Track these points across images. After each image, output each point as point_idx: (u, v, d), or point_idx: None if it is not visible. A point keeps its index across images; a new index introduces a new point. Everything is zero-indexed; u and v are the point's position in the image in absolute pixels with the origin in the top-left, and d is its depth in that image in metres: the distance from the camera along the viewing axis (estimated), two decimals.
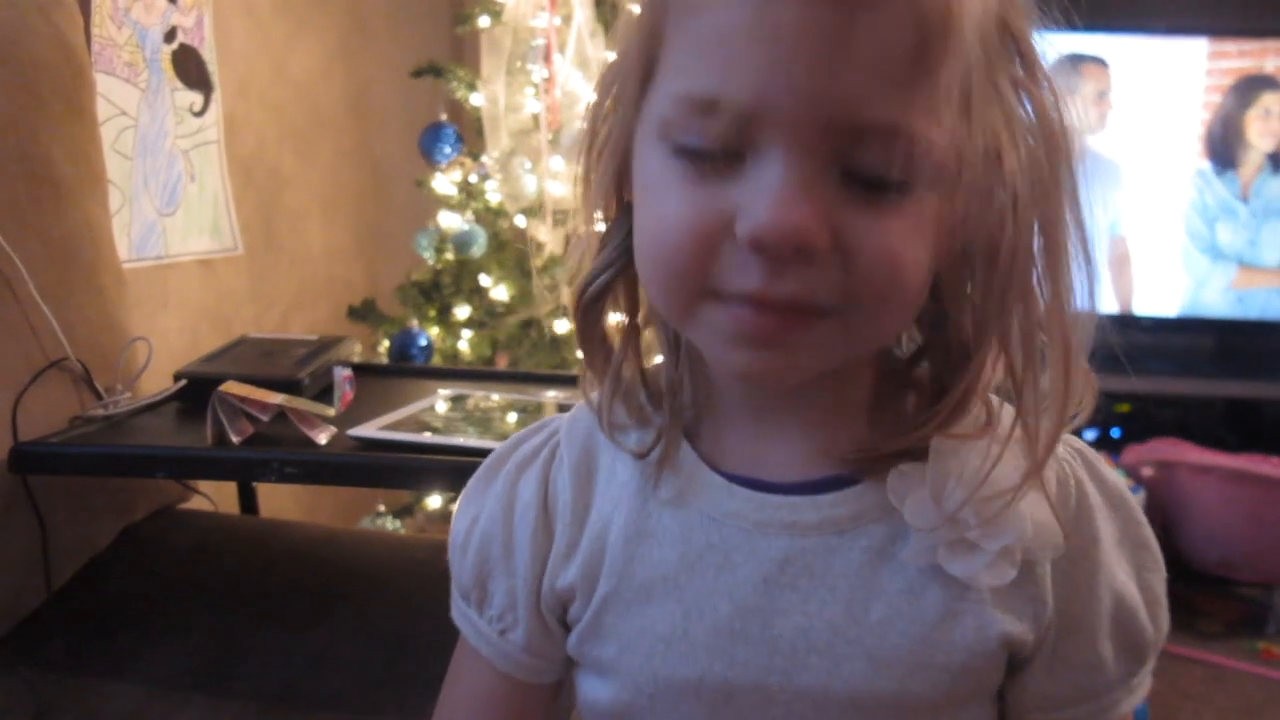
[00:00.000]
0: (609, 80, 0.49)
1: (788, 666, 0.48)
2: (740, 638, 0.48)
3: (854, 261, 0.41)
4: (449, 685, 0.59)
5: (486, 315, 1.82)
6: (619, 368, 0.52)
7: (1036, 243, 0.44)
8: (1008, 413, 0.48)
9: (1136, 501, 0.52)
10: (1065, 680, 0.50)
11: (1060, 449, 0.49)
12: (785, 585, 0.48)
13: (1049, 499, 0.47)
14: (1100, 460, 0.50)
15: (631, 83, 0.46)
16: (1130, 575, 0.50)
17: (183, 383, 1.13)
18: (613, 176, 0.50)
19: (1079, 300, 0.45)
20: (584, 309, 0.51)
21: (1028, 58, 0.44)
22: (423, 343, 1.77)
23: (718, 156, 0.41)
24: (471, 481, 0.57)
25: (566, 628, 0.54)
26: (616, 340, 0.52)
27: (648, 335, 0.53)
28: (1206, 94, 2.36)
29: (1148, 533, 0.51)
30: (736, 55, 0.39)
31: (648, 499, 0.51)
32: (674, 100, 0.42)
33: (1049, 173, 0.44)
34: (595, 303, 0.51)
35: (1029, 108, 0.44)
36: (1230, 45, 2.34)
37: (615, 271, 0.50)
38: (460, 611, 0.57)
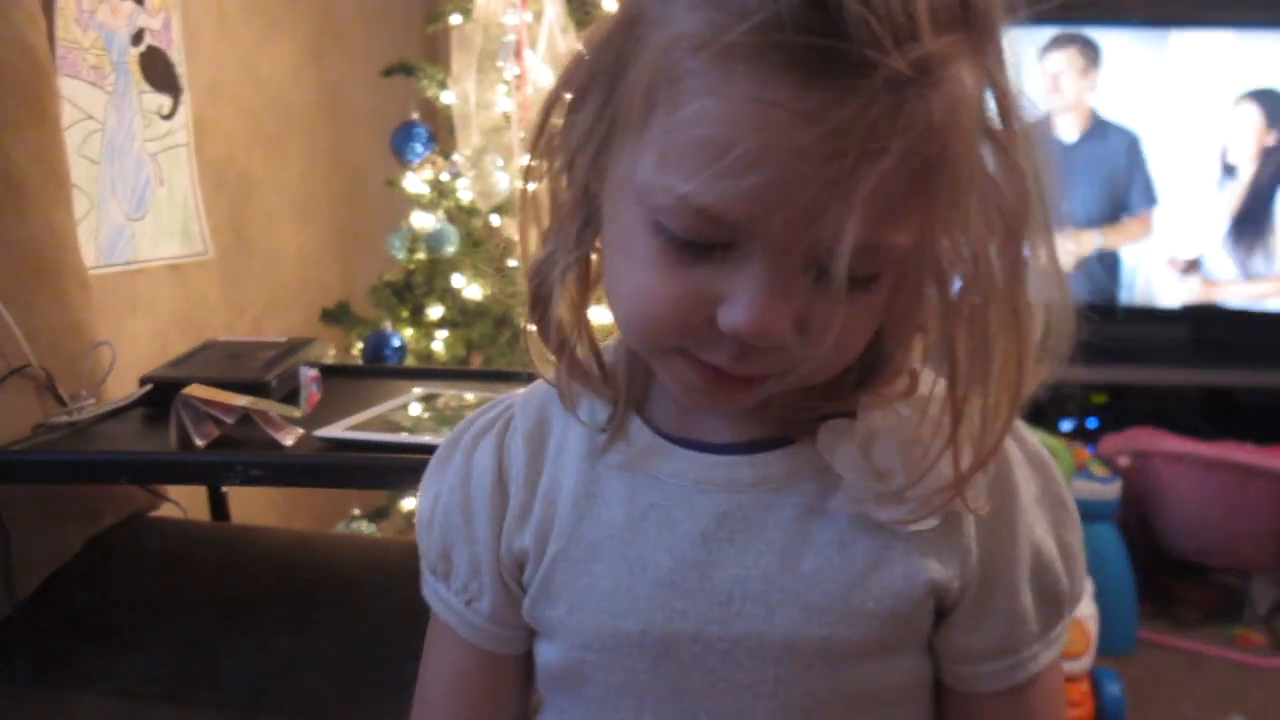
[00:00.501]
0: (581, 82, 0.48)
1: (724, 615, 0.50)
2: (680, 589, 0.51)
3: (814, 342, 0.44)
4: (423, 668, 0.61)
5: (460, 315, 1.81)
6: (572, 348, 0.53)
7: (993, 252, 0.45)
8: (930, 378, 0.50)
9: (1056, 464, 0.55)
10: (988, 631, 0.52)
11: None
12: (723, 539, 0.51)
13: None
14: (1020, 422, 0.52)
15: (619, 125, 0.45)
16: (1048, 531, 0.53)
17: (148, 387, 1.12)
18: (581, 182, 0.49)
19: (1040, 292, 0.46)
20: (536, 295, 0.53)
21: (1006, 109, 0.44)
22: (396, 344, 1.76)
23: (700, 244, 0.43)
24: (431, 462, 0.59)
25: (525, 593, 0.56)
26: (569, 323, 0.53)
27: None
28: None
29: (1065, 492, 0.54)
30: (739, 180, 0.40)
31: (596, 463, 0.54)
32: (666, 193, 0.42)
33: (1015, 219, 0.45)
34: (547, 288, 0.52)
35: (1002, 160, 0.44)
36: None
37: (567, 259, 0.51)
38: (430, 587, 0.59)
